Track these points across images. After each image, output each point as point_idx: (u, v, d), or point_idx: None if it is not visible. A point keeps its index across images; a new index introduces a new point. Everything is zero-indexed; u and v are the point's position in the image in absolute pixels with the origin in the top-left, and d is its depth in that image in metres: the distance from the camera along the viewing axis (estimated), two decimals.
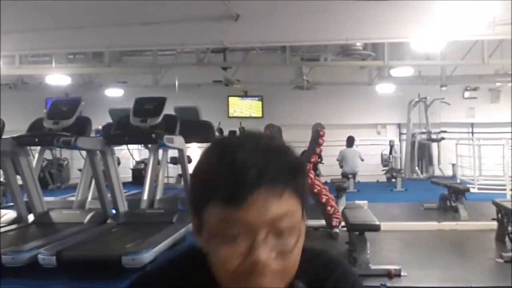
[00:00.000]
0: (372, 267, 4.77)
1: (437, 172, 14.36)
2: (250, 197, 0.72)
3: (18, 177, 6.56)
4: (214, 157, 0.77)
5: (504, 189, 9.55)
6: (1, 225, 6.21)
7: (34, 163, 7.01)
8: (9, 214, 6.65)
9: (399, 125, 15.59)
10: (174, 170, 12.51)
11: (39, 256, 4.77)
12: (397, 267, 4.74)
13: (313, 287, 0.85)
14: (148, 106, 7.09)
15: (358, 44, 10.88)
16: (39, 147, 7.65)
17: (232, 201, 0.72)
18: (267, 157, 0.75)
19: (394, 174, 12.82)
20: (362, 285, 0.92)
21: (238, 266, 0.74)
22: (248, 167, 0.73)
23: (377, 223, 4.95)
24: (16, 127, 7.33)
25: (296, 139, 11.23)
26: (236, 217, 0.73)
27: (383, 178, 13.76)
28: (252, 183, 0.73)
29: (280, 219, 0.74)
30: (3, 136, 6.49)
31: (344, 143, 12.84)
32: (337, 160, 12.69)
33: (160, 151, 8.20)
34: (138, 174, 12.13)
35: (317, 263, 0.89)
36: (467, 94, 15.04)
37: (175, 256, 0.92)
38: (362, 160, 12.66)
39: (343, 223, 5.93)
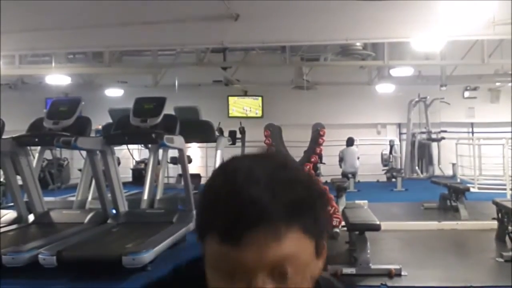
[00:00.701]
0: (373, 266, 4.76)
1: (437, 172, 14.36)
2: (246, 237, 0.66)
3: (18, 177, 6.56)
4: (218, 182, 0.72)
5: (504, 189, 9.56)
6: (1, 225, 6.21)
7: (34, 163, 7.00)
8: (9, 214, 6.65)
9: (399, 125, 15.59)
10: (174, 170, 12.48)
11: (40, 256, 4.77)
12: (397, 266, 4.74)
13: None
14: (148, 106, 7.08)
15: (358, 44, 10.88)
16: (39, 147, 7.65)
17: (228, 239, 0.67)
18: (272, 191, 0.68)
19: (394, 173, 12.83)
20: None
21: None
22: (248, 202, 0.67)
23: (377, 222, 4.94)
24: (16, 127, 7.32)
25: (296, 139, 11.23)
26: (231, 256, 0.67)
27: (383, 178, 13.77)
28: (249, 222, 0.66)
29: (281, 262, 0.67)
30: (3, 136, 6.48)
31: (344, 143, 12.88)
32: (339, 158, 12.76)
33: (160, 151, 8.20)
34: (138, 174, 12.13)
35: None
36: (467, 94, 15.05)
37: (182, 266, 0.87)
38: (358, 158, 12.72)
39: (343, 223, 5.93)
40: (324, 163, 11.76)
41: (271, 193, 0.67)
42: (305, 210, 0.70)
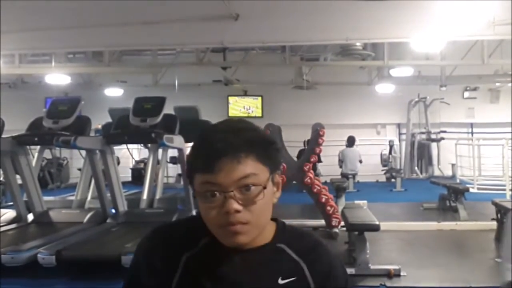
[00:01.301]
0: (372, 267, 4.76)
1: (437, 172, 14.37)
2: (218, 164, 0.97)
3: (18, 176, 6.56)
4: (197, 138, 1.04)
5: (504, 189, 9.56)
6: (1, 224, 6.21)
7: (33, 162, 7.00)
8: (9, 214, 6.64)
9: (398, 125, 15.60)
10: (173, 170, 12.51)
11: (39, 255, 4.76)
12: (396, 267, 4.74)
13: (296, 251, 1.08)
14: (147, 106, 7.08)
15: (358, 44, 10.88)
16: (38, 147, 7.65)
17: (207, 169, 0.98)
18: (232, 134, 0.99)
19: (394, 174, 12.82)
20: (341, 265, 1.14)
21: (216, 216, 0.98)
22: (216, 142, 0.98)
23: (377, 223, 4.94)
24: (15, 127, 7.32)
25: (296, 139, 11.26)
26: (210, 180, 0.97)
27: (383, 178, 13.77)
28: (220, 153, 0.97)
29: (244, 178, 0.98)
30: (3, 136, 6.48)
31: (344, 143, 12.85)
32: (339, 159, 12.72)
33: (160, 151, 8.19)
34: (138, 174, 12.13)
35: (297, 234, 1.14)
36: (466, 94, 15.05)
37: (190, 216, 1.19)
38: (361, 162, 12.64)
39: (342, 223, 5.94)
40: (321, 161, 11.76)
41: (232, 136, 0.99)
42: (259, 144, 1.01)
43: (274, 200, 1.05)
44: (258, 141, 1.02)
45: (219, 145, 0.97)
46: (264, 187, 1.00)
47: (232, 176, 0.97)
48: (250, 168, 0.98)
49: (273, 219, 1.10)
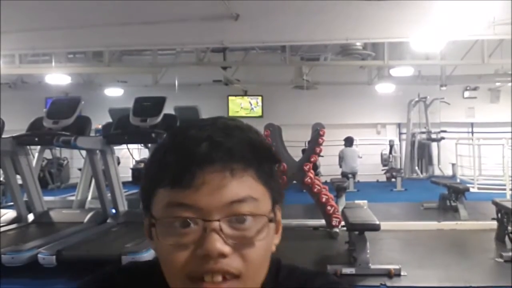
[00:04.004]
0: (372, 266, 4.77)
1: (437, 172, 14.37)
2: (200, 174, 0.60)
3: (18, 176, 6.56)
4: (165, 141, 0.66)
5: (504, 189, 9.55)
6: (1, 224, 6.21)
7: (34, 162, 7.00)
8: (9, 214, 6.65)
9: (399, 125, 15.59)
10: None
11: (39, 255, 4.76)
12: (397, 266, 4.74)
13: None
14: (148, 106, 7.09)
15: (358, 44, 10.87)
16: (39, 147, 7.65)
17: (178, 182, 0.60)
18: (223, 133, 0.63)
19: (394, 173, 12.82)
20: None
21: (186, 261, 0.61)
22: (199, 141, 0.62)
23: (377, 222, 4.94)
24: (16, 127, 7.32)
25: (296, 139, 11.24)
26: (183, 201, 0.61)
27: (383, 178, 13.77)
28: (203, 158, 0.60)
29: (237, 203, 0.61)
30: (3, 136, 6.48)
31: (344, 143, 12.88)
32: (339, 158, 12.74)
33: None
34: (138, 174, 12.13)
35: (298, 277, 0.74)
36: (467, 94, 15.04)
37: (133, 263, 0.81)
38: (360, 157, 12.68)
39: (343, 223, 5.94)
40: (322, 156, 11.77)
41: (223, 134, 0.63)
42: (259, 154, 0.65)
43: (273, 248, 0.68)
44: (262, 149, 0.66)
45: (203, 145, 0.62)
46: (270, 220, 0.64)
47: (220, 196, 0.61)
48: (248, 188, 0.62)
49: None
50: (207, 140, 0.62)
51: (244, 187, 0.62)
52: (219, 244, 0.60)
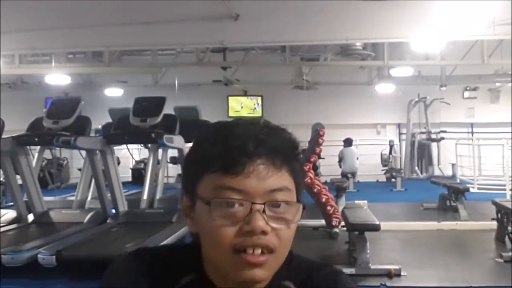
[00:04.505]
0: (372, 266, 4.77)
1: (437, 172, 14.37)
2: (250, 164, 0.73)
3: (18, 176, 6.56)
4: (210, 134, 0.77)
5: (504, 189, 9.55)
6: (1, 224, 6.20)
7: (33, 162, 7.00)
8: (9, 214, 6.64)
9: (398, 125, 15.59)
10: (174, 170, 12.50)
11: (39, 255, 4.76)
12: (397, 266, 4.74)
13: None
14: (147, 106, 7.09)
15: (358, 44, 10.88)
16: (38, 147, 7.65)
17: (230, 169, 0.72)
18: (266, 131, 0.77)
19: (394, 174, 12.83)
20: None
21: (233, 235, 0.72)
22: (248, 138, 0.74)
23: (377, 223, 4.94)
24: (15, 127, 7.32)
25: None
26: (234, 184, 0.72)
27: (383, 178, 13.77)
28: (253, 152, 0.73)
29: (277, 191, 0.74)
30: (3, 136, 6.48)
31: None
32: (339, 158, 12.75)
33: (160, 151, 8.19)
34: (138, 174, 12.14)
35: (306, 267, 0.86)
36: (466, 94, 15.04)
37: (177, 244, 0.91)
38: (357, 158, 12.72)
39: (343, 223, 5.93)
40: (323, 158, 11.78)
41: (266, 133, 0.76)
42: (295, 152, 0.79)
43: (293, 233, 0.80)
44: (297, 148, 0.80)
45: (252, 142, 0.74)
46: (304, 207, 0.77)
47: (265, 184, 0.73)
48: (284, 180, 0.75)
49: None
50: (254, 137, 0.74)
51: (281, 179, 0.75)
52: (262, 223, 0.72)
